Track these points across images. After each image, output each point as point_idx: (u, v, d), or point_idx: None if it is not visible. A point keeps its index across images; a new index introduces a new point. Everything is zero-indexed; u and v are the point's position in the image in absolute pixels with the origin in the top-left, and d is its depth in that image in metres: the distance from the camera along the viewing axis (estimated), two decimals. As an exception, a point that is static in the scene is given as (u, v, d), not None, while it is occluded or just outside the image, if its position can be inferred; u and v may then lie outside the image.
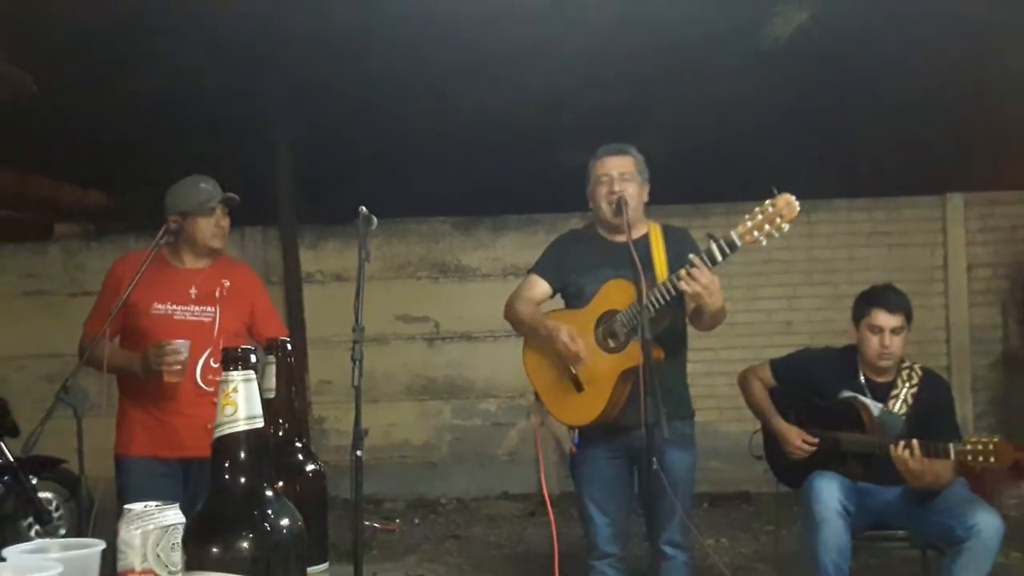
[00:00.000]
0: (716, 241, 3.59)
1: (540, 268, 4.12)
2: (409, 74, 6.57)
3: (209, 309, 3.97)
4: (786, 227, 3.55)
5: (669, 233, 4.01)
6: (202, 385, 3.88)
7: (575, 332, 3.81)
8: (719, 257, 3.59)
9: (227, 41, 5.85)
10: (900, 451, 3.98)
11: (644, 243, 3.90)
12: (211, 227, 3.97)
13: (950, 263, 8.81)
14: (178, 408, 3.86)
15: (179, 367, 3.75)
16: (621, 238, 3.80)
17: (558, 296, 4.15)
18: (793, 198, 3.54)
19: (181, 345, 3.75)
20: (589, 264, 3.97)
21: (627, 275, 3.72)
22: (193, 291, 3.96)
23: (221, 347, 3.86)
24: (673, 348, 3.90)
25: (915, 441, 3.99)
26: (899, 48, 6.26)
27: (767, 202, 3.56)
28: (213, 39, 5.82)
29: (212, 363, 3.89)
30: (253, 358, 1.06)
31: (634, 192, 3.92)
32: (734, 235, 3.58)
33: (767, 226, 3.54)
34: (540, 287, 4.08)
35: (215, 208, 3.97)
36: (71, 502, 6.22)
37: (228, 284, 4.04)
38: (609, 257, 3.89)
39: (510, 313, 4.11)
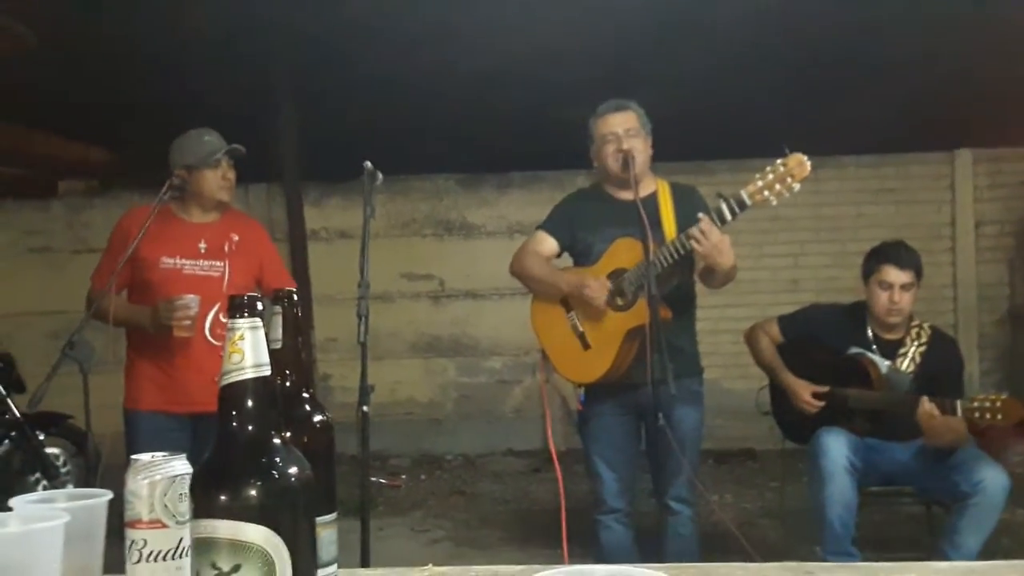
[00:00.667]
0: (726, 200, 3.58)
1: (548, 225, 4.10)
2: (413, 31, 6.51)
3: (218, 263, 3.97)
4: (797, 187, 3.52)
5: (677, 191, 3.98)
6: (212, 340, 3.88)
7: (599, 284, 3.79)
8: (728, 216, 3.57)
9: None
10: (927, 407, 3.97)
11: (652, 201, 3.88)
12: (217, 180, 3.96)
13: (958, 220, 8.77)
14: (188, 363, 3.87)
15: (189, 322, 3.77)
16: (629, 196, 3.77)
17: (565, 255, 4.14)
18: (804, 157, 3.51)
19: (191, 300, 3.76)
20: (597, 222, 3.95)
21: (635, 233, 3.70)
22: (203, 245, 3.96)
23: None
24: (682, 307, 3.89)
25: (925, 398, 3.98)
26: (907, 2, 6.17)
27: (778, 161, 3.53)
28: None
29: (222, 318, 3.88)
30: (259, 306, 1.05)
31: (640, 147, 3.89)
32: (744, 194, 3.56)
33: (778, 185, 3.52)
34: (548, 244, 4.06)
35: (220, 160, 3.96)
36: (78, 457, 6.24)
37: (237, 238, 4.04)
38: (617, 215, 3.86)
39: (519, 268, 4.09)
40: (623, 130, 3.89)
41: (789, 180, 3.50)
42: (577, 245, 4.03)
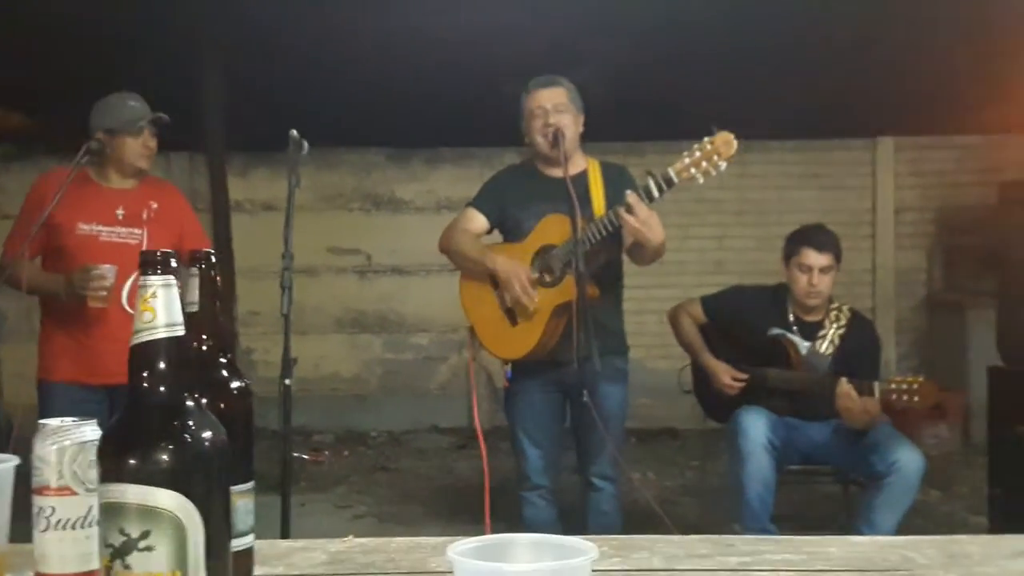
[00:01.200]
0: (654, 177, 3.59)
1: (478, 202, 4.08)
2: (346, -1, 6.41)
3: (136, 231, 3.88)
4: (723, 165, 3.54)
5: (607, 169, 3.99)
6: (128, 309, 3.78)
7: (525, 278, 3.79)
8: (656, 193, 3.59)
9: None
10: (845, 387, 4.04)
11: (583, 179, 3.88)
12: (138, 147, 3.87)
13: (879, 206, 8.95)
14: (104, 332, 3.78)
15: (104, 292, 3.67)
16: (559, 172, 3.77)
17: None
18: (732, 136, 3.54)
19: (107, 270, 3.66)
20: (527, 198, 3.94)
21: (564, 210, 3.70)
22: (120, 212, 3.87)
23: None
24: (609, 284, 3.91)
25: (844, 380, 4.05)
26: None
27: (705, 139, 3.56)
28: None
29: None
30: (173, 263, 1.01)
31: (569, 123, 3.88)
32: (671, 172, 3.58)
33: (704, 163, 3.54)
34: (478, 221, 4.04)
35: (144, 128, 3.86)
36: (-10, 429, 6.08)
37: (156, 206, 3.95)
38: (547, 192, 3.86)
39: (447, 245, 4.07)
40: (551, 105, 3.88)
41: (715, 158, 3.53)
42: (507, 222, 4.03)
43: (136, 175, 3.96)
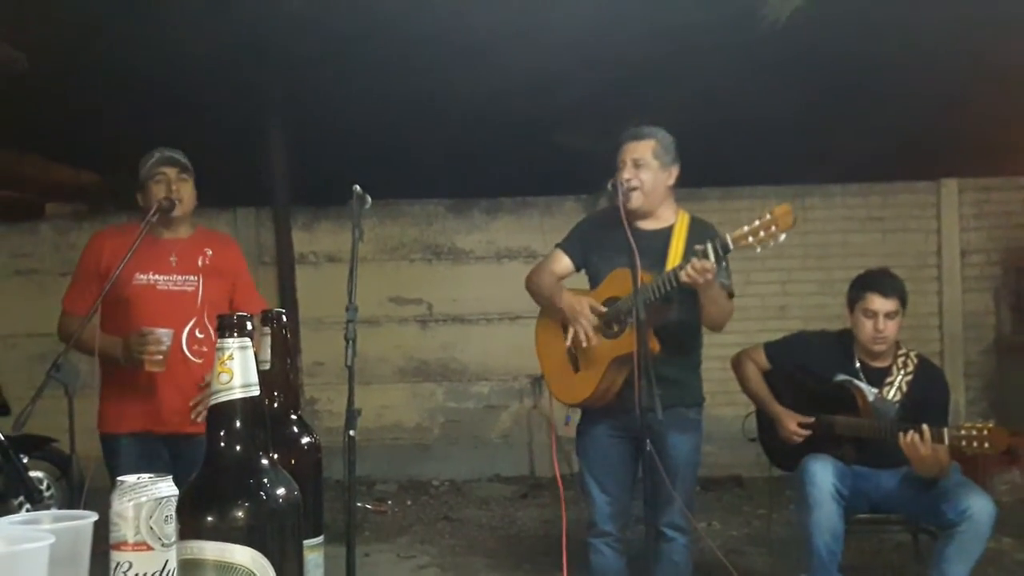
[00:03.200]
0: (712, 242, 3.64)
1: (565, 244, 4.17)
2: (404, 55, 6.54)
3: (192, 278, 3.91)
4: (782, 237, 3.60)
5: (696, 225, 4.02)
6: (188, 355, 3.83)
7: (589, 321, 3.85)
8: (712, 258, 3.64)
9: (221, 22, 5.81)
10: (910, 438, 3.98)
11: (665, 233, 3.95)
12: (162, 191, 3.85)
13: (944, 249, 8.81)
14: (163, 380, 3.78)
15: (160, 356, 3.68)
16: (642, 224, 3.84)
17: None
18: (790, 208, 3.61)
19: (163, 334, 3.68)
20: (606, 248, 3.98)
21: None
22: (173, 259, 3.89)
23: (205, 317, 3.86)
24: (681, 340, 3.93)
25: (924, 427, 3.98)
26: (896, 33, 6.24)
27: (766, 212, 3.60)
28: (208, 20, 5.78)
29: (197, 333, 3.84)
30: (249, 325, 1.05)
31: (648, 179, 3.92)
32: (729, 239, 3.64)
33: (762, 233, 3.61)
34: (563, 262, 4.12)
35: (166, 172, 3.87)
36: (62, 481, 6.20)
37: (211, 253, 3.98)
38: (625, 243, 3.88)
39: (530, 283, 4.16)
40: (631, 159, 3.94)
41: (774, 229, 3.59)
42: (590, 267, 4.12)
43: (188, 225, 3.99)
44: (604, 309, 3.88)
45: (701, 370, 4.19)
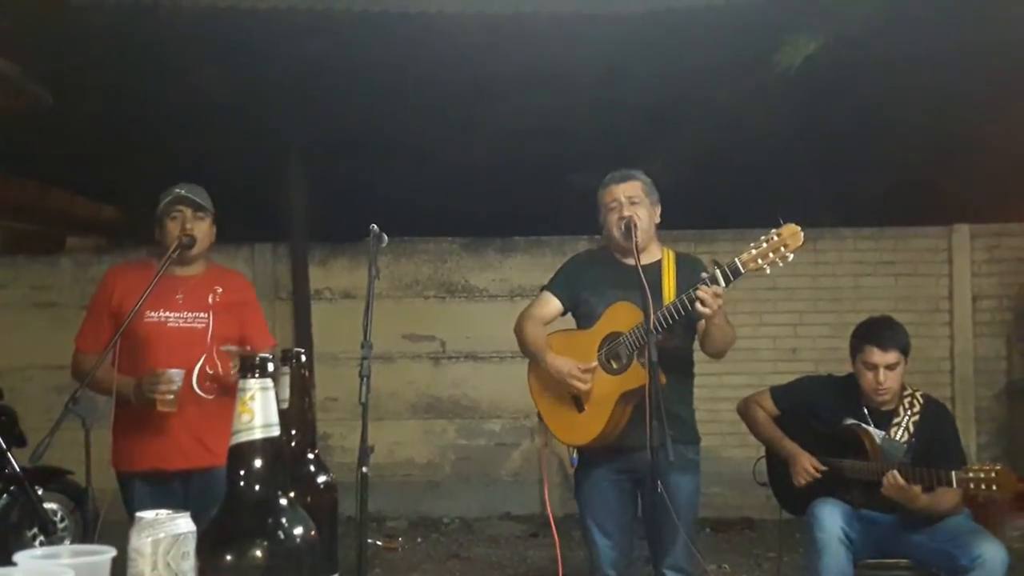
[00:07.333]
0: (720, 267, 3.65)
1: (553, 286, 4.16)
2: (420, 95, 6.62)
3: (202, 315, 3.94)
4: (791, 256, 3.60)
5: (682, 260, 4.06)
6: (199, 391, 3.86)
7: (580, 369, 3.86)
8: (722, 283, 3.64)
9: (240, 59, 5.91)
10: (890, 479, 4.00)
11: (656, 268, 3.95)
12: (176, 228, 3.90)
13: (955, 294, 8.80)
14: (174, 416, 3.79)
15: (171, 397, 3.71)
16: (633, 261, 3.83)
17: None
18: (798, 228, 3.59)
19: (175, 374, 3.72)
20: (601, 285, 4.01)
21: (634, 298, 3.75)
22: (180, 296, 3.92)
23: (215, 354, 3.89)
24: (679, 374, 3.94)
25: (894, 471, 4.00)
26: (908, 78, 6.29)
27: (773, 231, 3.61)
28: (227, 57, 5.87)
29: (208, 369, 3.87)
30: (271, 366, 1.09)
31: (644, 215, 3.96)
32: (738, 262, 3.64)
33: (771, 254, 3.60)
34: (552, 305, 4.12)
35: (183, 211, 3.91)
36: (76, 513, 6.22)
37: (221, 290, 4.01)
38: (620, 279, 3.92)
39: (518, 332, 4.15)
40: (626, 197, 3.97)
41: (783, 249, 3.58)
42: (580, 307, 4.09)
43: (200, 262, 4.02)
44: (593, 364, 3.88)
45: (701, 410, 4.19)
